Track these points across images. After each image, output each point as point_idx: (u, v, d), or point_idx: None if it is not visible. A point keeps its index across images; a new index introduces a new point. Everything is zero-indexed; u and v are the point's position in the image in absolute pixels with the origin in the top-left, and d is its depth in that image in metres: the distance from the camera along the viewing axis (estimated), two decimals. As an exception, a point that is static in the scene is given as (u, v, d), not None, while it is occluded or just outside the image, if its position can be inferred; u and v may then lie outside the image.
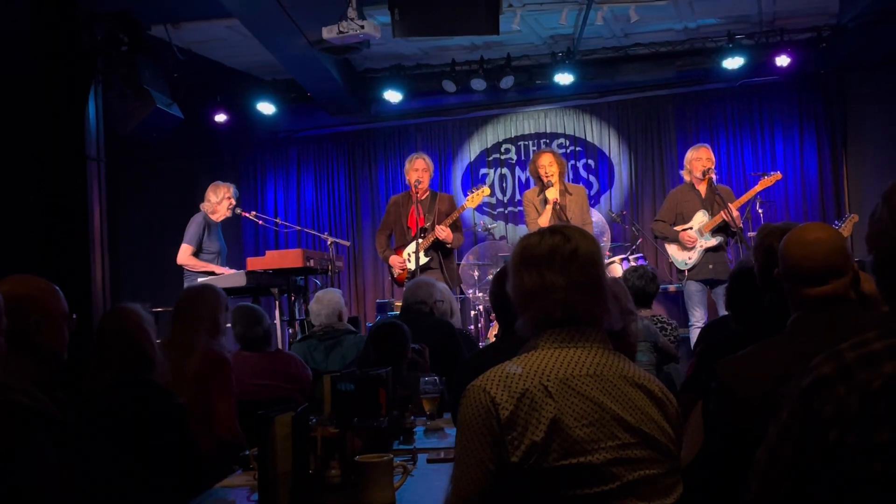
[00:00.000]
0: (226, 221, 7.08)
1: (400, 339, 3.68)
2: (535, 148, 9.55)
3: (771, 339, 2.15)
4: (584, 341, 1.78)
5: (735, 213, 6.24)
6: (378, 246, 6.99)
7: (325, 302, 4.88)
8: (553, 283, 1.79)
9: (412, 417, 3.13)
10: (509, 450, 1.66)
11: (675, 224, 6.53)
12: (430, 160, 6.73)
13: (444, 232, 6.44)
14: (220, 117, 9.24)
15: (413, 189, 6.57)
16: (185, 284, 6.58)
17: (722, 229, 6.38)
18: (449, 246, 6.56)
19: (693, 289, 6.41)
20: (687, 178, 6.61)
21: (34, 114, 4.22)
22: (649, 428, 1.72)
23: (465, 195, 9.45)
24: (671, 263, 6.87)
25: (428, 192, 6.67)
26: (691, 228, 6.45)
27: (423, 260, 6.52)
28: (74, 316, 2.54)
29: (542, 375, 1.71)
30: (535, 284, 1.81)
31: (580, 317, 1.79)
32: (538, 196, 6.47)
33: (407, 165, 6.71)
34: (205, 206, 6.88)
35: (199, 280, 6.47)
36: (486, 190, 6.93)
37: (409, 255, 6.62)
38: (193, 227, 6.77)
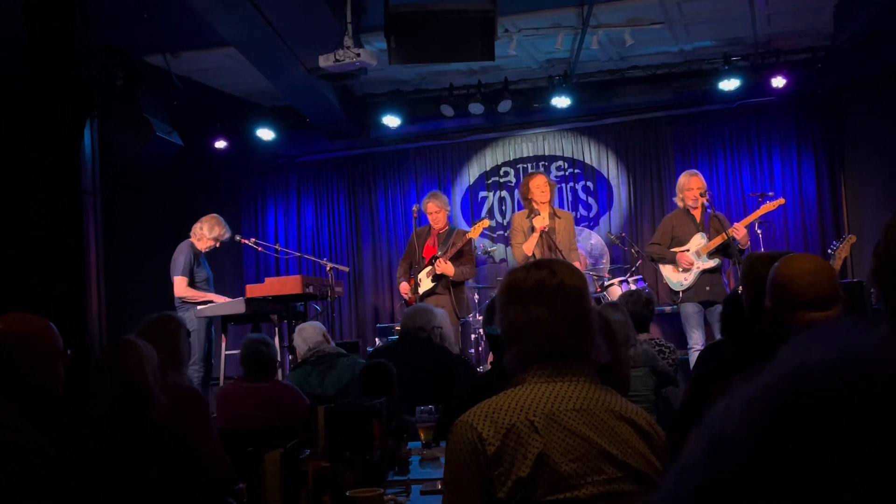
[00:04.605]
0: (225, 249, 7.09)
1: (386, 378, 3.80)
2: (534, 171, 9.59)
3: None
4: (571, 376, 1.79)
5: (743, 232, 6.23)
6: (398, 274, 7.34)
7: (307, 334, 4.95)
8: (539, 317, 1.79)
9: (408, 445, 3.13)
10: (496, 486, 1.66)
11: (671, 248, 6.51)
12: (442, 199, 7.07)
13: (442, 266, 6.71)
14: (220, 144, 9.29)
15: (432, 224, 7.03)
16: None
17: (719, 251, 6.37)
18: (451, 278, 6.72)
19: (690, 311, 6.38)
20: (680, 204, 6.60)
21: (29, 149, 4.24)
22: (636, 462, 1.72)
23: (465, 218, 9.54)
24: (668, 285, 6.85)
25: (447, 227, 7.03)
26: (688, 251, 6.44)
27: (430, 285, 6.82)
28: (69, 352, 2.54)
29: (528, 410, 1.71)
30: (521, 319, 1.81)
31: (567, 351, 1.80)
32: (526, 220, 6.49)
33: (422, 204, 7.09)
34: (195, 231, 6.80)
35: (200, 308, 6.48)
36: (486, 222, 7.17)
37: (419, 279, 6.93)
38: (182, 258, 6.65)
